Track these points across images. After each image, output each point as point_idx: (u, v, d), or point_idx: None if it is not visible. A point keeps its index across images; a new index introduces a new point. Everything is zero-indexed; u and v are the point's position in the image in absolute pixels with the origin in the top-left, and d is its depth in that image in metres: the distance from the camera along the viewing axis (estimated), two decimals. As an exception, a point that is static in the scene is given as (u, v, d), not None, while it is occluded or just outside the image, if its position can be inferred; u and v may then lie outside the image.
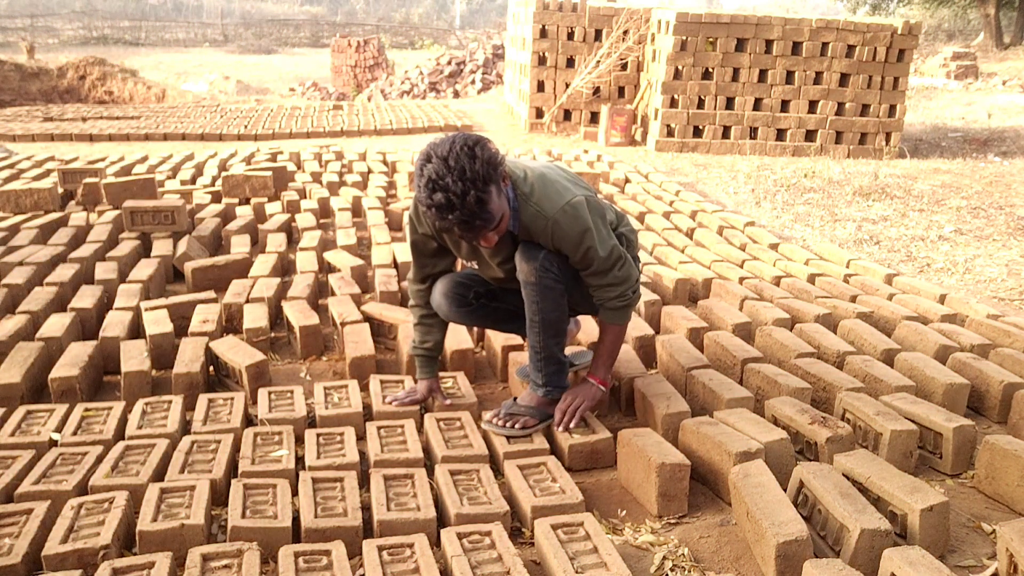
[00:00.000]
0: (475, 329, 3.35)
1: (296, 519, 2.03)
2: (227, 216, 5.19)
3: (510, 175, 2.26)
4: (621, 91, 9.98)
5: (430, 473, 2.28)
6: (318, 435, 2.43)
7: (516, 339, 3.00)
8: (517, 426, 2.46)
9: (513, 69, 11.53)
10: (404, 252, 4.25)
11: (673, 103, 9.19)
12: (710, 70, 9.05)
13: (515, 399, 2.56)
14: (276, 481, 2.14)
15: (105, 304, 3.60)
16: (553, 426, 2.49)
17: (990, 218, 6.26)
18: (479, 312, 2.60)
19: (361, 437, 2.53)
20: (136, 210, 4.63)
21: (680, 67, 9.00)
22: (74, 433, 2.45)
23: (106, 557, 1.85)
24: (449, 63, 18.99)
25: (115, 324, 3.24)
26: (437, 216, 2.07)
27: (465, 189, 2.01)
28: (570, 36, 9.78)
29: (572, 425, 2.46)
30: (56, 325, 3.20)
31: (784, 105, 9.19)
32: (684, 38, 8.91)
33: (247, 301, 3.53)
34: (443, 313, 2.56)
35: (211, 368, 3.05)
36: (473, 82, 17.47)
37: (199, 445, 2.36)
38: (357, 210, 5.42)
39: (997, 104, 13.42)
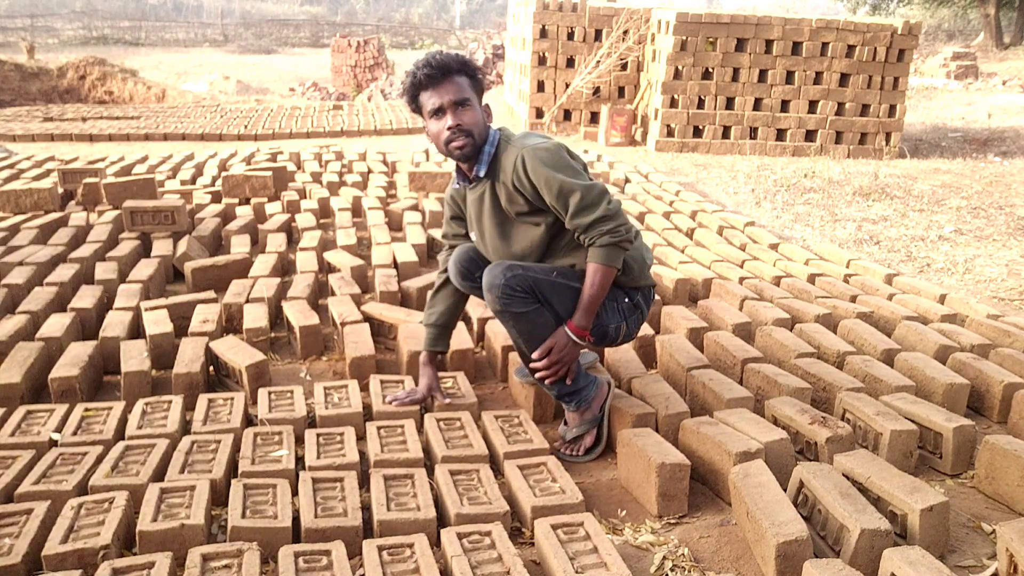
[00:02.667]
0: (475, 329, 3.36)
1: (296, 519, 2.03)
2: (227, 216, 5.19)
3: (503, 131, 2.39)
4: (621, 91, 9.98)
5: (430, 473, 2.28)
6: (318, 435, 2.43)
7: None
8: (581, 452, 2.51)
9: (513, 69, 11.54)
10: (404, 252, 4.25)
11: (673, 103, 9.18)
12: (710, 70, 9.05)
13: (564, 422, 2.55)
14: (276, 481, 2.14)
15: (105, 304, 3.60)
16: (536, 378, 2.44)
17: (990, 218, 6.26)
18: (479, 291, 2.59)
19: (361, 437, 2.53)
20: (136, 210, 4.63)
21: (680, 67, 9.00)
22: (74, 433, 2.45)
23: (106, 557, 1.85)
24: (449, 63, 18.96)
25: (115, 324, 3.24)
26: (413, 70, 2.32)
27: (442, 54, 2.33)
28: (570, 36, 9.78)
29: (569, 379, 2.40)
30: (56, 325, 3.20)
31: (784, 105, 9.19)
32: (684, 38, 8.91)
33: (247, 301, 3.53)
34: (451, 277, 2.60)
35: (211, 368, 3.05)
36: (473, 82, 17.46)
37: (199, 445, 2.36)
38: (357, 210, 5.42)
39: (997, 104, 13.42)
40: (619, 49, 9.49)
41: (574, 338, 2.35)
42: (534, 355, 2.37)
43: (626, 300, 2.48)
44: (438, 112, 2.31)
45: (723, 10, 14.21)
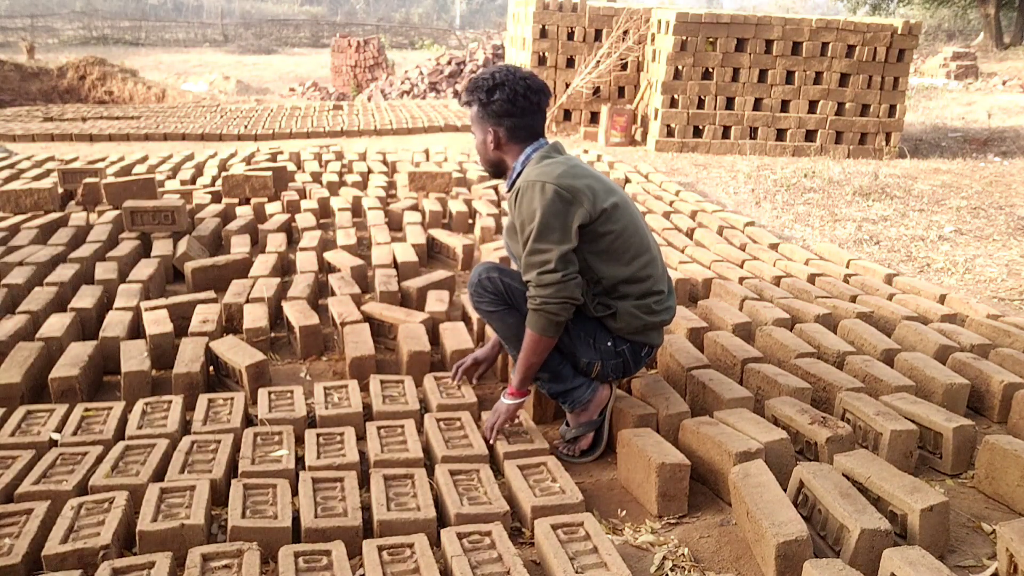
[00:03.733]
0: (475, 329, 3.35)
1: (296, 519, 2.03)
2: (227, 216, 5.19)
3: (545, 149, 2.42)
4: (621, 91, 9.98)
5: (430, 473, 2.28)
6: (318, 435, 2.43)
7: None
8: (576, 453, 2.53)
9: (513, 69, 11.52)
10: (404, 252, 4.25)
11: (673, 103, 9.19)
12: (710, 70, 9.05)
13: (566, 422, 2.57)
14: (276, 481, 2.14)
15: (105, 304, 3.60)
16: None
17: (990, 218, 6.26)
18: None
19: (361, 437, 2.53)
20: (136, 210, 4.63)
21: (680, 67, 9.00)
22: (74, 433, 2.45)
23: (106, 557, 1.85)
24: (449, 63, 18.98)
25: (115, 324, 3.24)
26: None
27: (479, 76, 2.43)
28: (570, 36, 9.78)
29: (492, 440, 2.45)
30: (56, 325, 3.20)
31: (784, 105, 9.19)
32: (684, 38, 8.91)
33: (247, 301, 3.53)
34: None
35: (211, 368, 3.05)
36: (473, 82, 17.45)
37: (199, 445, 2.36)
38: (357, 210, 5.42)
39: (997, 104, 13.43)
40: (619, 49, 9.49)
41: (510, 403, 2.45)
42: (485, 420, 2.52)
43: (608, 343, 2.44)
44: None
45: (723, 10, 14.20)
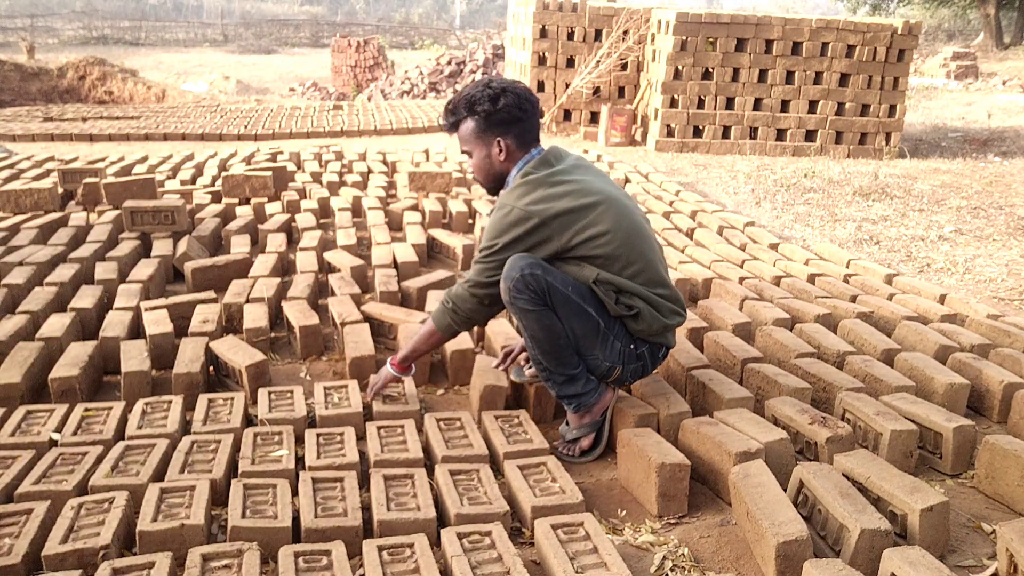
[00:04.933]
0: (475, 329, 3.35)
1: (296, 519, 2.03)
2: (227, 216, 5.19)
3: (539, 158, 2.40)
4: (621, 91, 9.98)
5: (430, 473, 2.28)
6: (318, 435, 2.43)
7: (516, 339, 3.00)
8: (577, 453, 2.51)
9: (513, 69, 11.53)
10: (404, 252, 4.25)
11: (673, 103, 9.18)
12: (710, 70, 9.05)
13: (566, 422, 2.55)
14: (276, 481, 2.14)
15: (105, 304, 3.60)
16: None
17: (990, 218, 6.26)
18: None
19: (361, 437, 2.53)
20: (136, 210, 4.63)
21: (680, 67, 9.00)
22: (74, 433, 2.45)
23: (106, 557, 1.85)
24: (449, 63, 18.98)
25: (115, 324, 3.24)
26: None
27: (457, 96, 2.43)
28: (570, 36, 9.78)
29: (370, 399, 2.65)
30: (56, 325, 3.20)
31: (784, 105, 9.19)
32: (684, 38, 8.91)
33: (247, 301, 3.53)
34: None
35: (211, 368, 3.05)
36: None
37: (199, 445, 2.36)
38: (357, 210, 5.42)
39: (997, 104, 13.42)
40: (619, 49, 9.49)
41: (391, 372, 2.62)
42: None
43: (631, 347, 2.43)
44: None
45: (723, 10, 14.21)
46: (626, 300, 2.35)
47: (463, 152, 2.47)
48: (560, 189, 2.32)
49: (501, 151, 2.39)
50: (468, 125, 2.40)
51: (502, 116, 2.36)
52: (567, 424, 2.55)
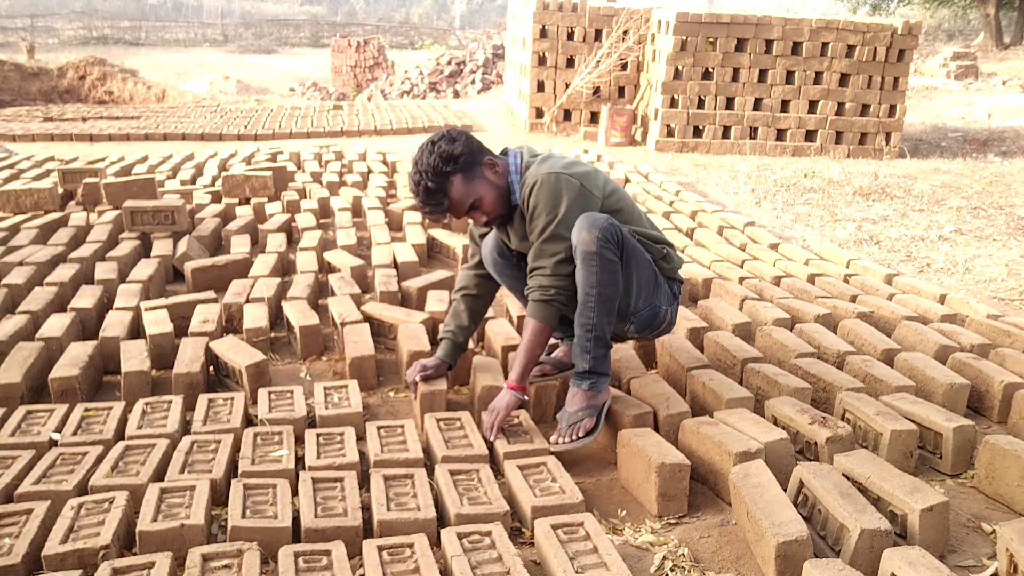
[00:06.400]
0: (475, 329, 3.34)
1: (296, 519, 2.03)
2: (227, 216, 5.19)
3: (525, 150, 2.47)
4: (621, 91, 9.97)
5: (430, 473, 2.28)
6: (318, 435, 2.43)
7: (516, 339, 3.00)
8: (580, 434, 2.42)
9: (513, 69, 11.53)
10: (404, 252, 4.25)
11: (673, 103, 9.18)
12: (710, 70, 9.05)
13: (565, 407, 2.50)
14: (276, 481, 2.14)
15: (105, 304, 3.60)
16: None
17: (990, 218, 6.26)
18: (513, 269, 2.67)
19: (361, 437, 2.53)
20: (136, 210, 4.63)
21: (680, 67, 9.00)
22: (74, 433, 2.45)
23: (106, 557, 1.85)
24: (449, 63, 18.98)
25: (115, 324, 3.24)
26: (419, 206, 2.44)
27: (418, 179, 2.37)
28: (570, 36, 9.77)
29: (492, 438, 2.42)
30: (56, 325, 3.20)
31: (784, 105, 9.18)
32: (684, 38, 8.91)
33: (247, 301, 3.53)
34: (486, 260, 2.68)
35: (211, 368, 3.05)
36: (473, 82, 17.45)
37: (199, 445, 2.36)
38: (357, 210, 5.42)
39: (997, 104, 13.42)
40: (619, 49, 9.49)
41: (510, 398, 2.46)
42: (484, 420, 2.47)
43: (673, 288, 2.61)
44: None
45: (723, 10, 14.21)
46: (655, 244, 2.54)
47: (471, 208, 2.42)
48: (567, 159, 2.46)
49: (494, 169, 2.44)
50: (457, 181, 2.38)
51: (468, 149, 2.39)
52: (566, 412, 2.48)
